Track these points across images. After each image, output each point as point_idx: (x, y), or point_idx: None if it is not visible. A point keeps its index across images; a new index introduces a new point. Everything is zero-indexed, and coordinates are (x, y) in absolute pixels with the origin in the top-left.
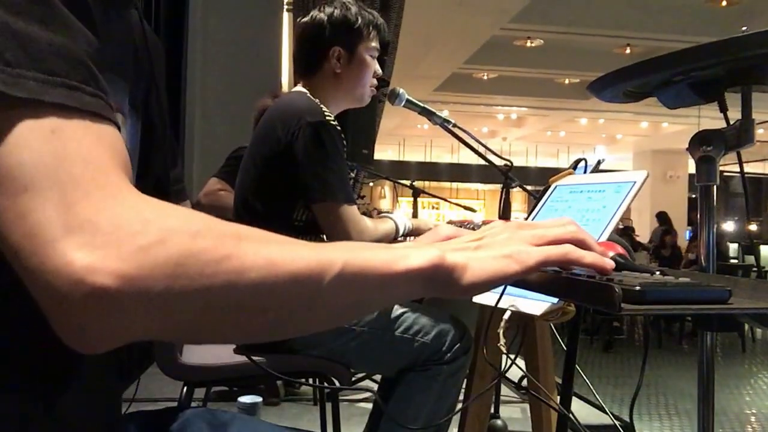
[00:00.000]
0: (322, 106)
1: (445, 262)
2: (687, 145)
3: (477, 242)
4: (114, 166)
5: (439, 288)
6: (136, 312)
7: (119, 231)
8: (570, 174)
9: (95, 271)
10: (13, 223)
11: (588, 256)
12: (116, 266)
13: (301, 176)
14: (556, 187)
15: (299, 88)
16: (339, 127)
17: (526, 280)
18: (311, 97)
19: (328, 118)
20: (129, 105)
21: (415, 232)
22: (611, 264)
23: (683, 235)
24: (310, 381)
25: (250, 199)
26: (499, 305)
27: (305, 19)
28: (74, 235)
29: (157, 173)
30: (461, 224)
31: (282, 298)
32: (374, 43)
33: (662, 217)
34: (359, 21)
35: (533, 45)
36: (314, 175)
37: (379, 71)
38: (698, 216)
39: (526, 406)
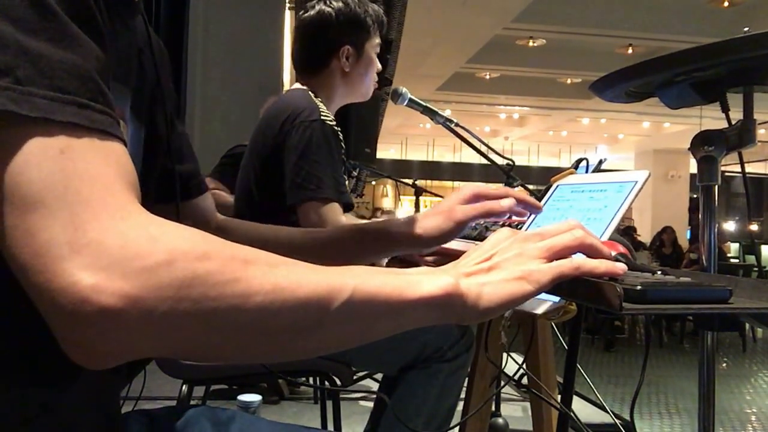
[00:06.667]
0: (321, 105)
1: (459, 289)
2: (689, 145)
3: (488, 263)
4: (121, 185)
5: (453, 315)
6: (140, 332)
7: (125, 251)
8: (572, 173)
9: (100, 291)
10: (22, 241)
11: (600, 266)
12: (121, 286)
13: (287, 174)
14: (557, 186)
15: (299, 85)
16: (337, 128)
17: None
18: (312, 95)
19: (324, 117)
20: (131, 111)
21: None
22: (623, 268)
23: (684, 235)
24: (310, 381)
25: (251, 199)
26: None
27: (310, 14)
28: (81, 255)
29: (160, 178)
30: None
31: (288, 322)
32: (378, 40)
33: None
34: (368, 19)
35: (535, 45)
36: (295, 173)
37: (380, 66)
38: (699, 216)
39: (527, 404)
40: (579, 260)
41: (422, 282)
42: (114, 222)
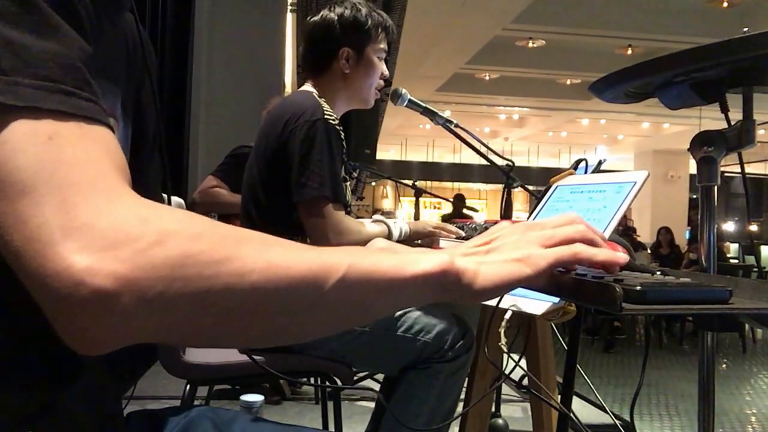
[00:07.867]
0: (325, 105)
1: (455, 266)
2: (688, 146)
3: (487, 246)
4: (111, 169)
5: (450, 293)
6: (136, 313)
7: (117, 233)
8: (571, 174)
9: (94, 274)
10: (13, 228)
11: (599, 254)
12: (114, 268)
13: (291, 173)
14: (557, 187)
15: (307, 87)
16: (340, 128)
17: None
18: (316, 96)
19: (327, 117)
20: (120, 109)
21: (413, 237)
22: (624, 258)
23: (684, 235)
24: (312, 381)
25: (256, 197)
26: (501, 305)
27: (315, 18)
28: (73, 239)
29: (148, 174)
30: (462, 225)
31: (283, 301)
32: (382, 45)
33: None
34: (369, 22)
35: (535, 45)
36: (300, 172)
37: (386, 73)
38: (699, 216)
39: (527, 405)
40: (578, 247)
41: (418, 260)
42: (105, 205)
